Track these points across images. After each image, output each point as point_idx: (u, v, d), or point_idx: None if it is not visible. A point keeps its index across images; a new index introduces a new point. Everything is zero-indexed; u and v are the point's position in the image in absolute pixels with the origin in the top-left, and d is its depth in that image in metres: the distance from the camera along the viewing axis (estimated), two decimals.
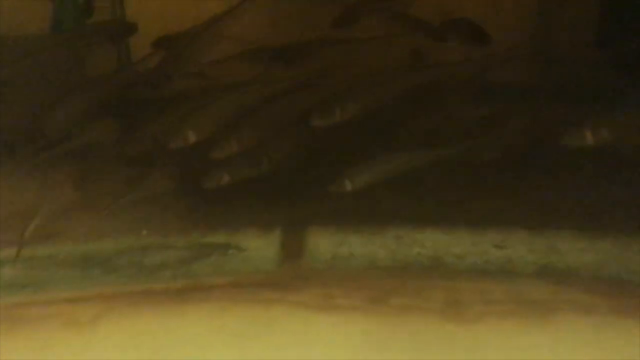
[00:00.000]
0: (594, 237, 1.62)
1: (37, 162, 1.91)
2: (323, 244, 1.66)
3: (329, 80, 2.06)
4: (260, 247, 1.66)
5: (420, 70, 2.12)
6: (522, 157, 1.91)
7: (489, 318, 1.32)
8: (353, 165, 1.78)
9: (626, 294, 1.40)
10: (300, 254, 1.62)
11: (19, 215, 1.73)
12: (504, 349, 1.25)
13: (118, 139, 1.95)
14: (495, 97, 2.04)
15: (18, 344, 1.28)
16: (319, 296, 1.40)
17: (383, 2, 2.14)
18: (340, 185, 1.75)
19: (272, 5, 2.26)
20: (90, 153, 1.96)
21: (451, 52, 2.10)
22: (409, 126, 2.00)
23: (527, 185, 1.87)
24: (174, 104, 2.02)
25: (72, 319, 1.31)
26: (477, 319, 1.32)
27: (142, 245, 1.68)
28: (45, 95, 2.11)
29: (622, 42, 2.15)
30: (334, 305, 1.37)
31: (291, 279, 1.49)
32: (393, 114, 1.98)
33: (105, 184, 1.87)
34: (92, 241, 1.68)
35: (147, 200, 1.80)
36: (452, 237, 1.67)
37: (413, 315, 1.34)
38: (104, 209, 1.73)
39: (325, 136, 1.90)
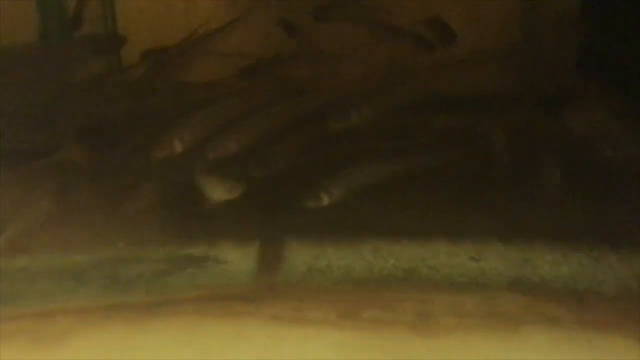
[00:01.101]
0: (568, 249, 1.64)
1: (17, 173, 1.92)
2: (300, 256, 1.66)
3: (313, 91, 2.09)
4: (237, 259, 1.66)
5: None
6: (498, 169, 1.93)
7: (459, 331, 1.33)
8: (329, 177, 1.79)
9: (597, 307, 1.41)
10: (277, 267, 1.62)
11: None
12: None
13: (97, 155, 1.96)
14: (471, 107, 2.06)
15: None
16: (291, 309, 1.40)
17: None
18: (317, 198, 1.76)
19: (261, 20, 2.28)
20: (70, 167, 1.96)
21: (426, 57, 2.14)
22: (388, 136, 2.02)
23: (502, 197, 1.88)
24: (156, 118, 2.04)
25: (41, 335, 1.30)
26: (447, 332, 1.32)
27: (118, 257, 1.68)
28: (32, 105, 2.11)
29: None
30: (306, 318, 1.37)
31: (264, 292, 1.49)
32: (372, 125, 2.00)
33: (82, 196, 1.86)
34: (66, 253, 1.67)
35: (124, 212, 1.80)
36: (427, 249, 1.67)
37: (384, 328, 1.34)
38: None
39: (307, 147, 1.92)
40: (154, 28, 2.34)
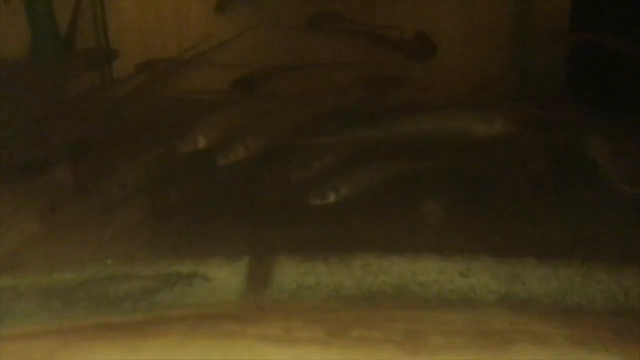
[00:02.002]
0: (558, 265, 1.63)
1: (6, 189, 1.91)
2: (290, 273, 1.66)
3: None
4: (226, 277, 1.65)
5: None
6: (489, 184, 1.94)
7: (448, 350, 1.32)
8: (336, 176, 1.77)
9: (585, 324, 1.41)
10: (266, 284, 1.61)
11: None
12: None
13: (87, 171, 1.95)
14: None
15: None
16: (279, 329, 1.39)
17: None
18: (323, 196, 1.74)
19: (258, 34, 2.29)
20: (59, 183, 1.96)
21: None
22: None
23: (493, 212, 1.88)
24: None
25: (25, 357, 1.29)
26: (436, 351, 1.32)
27: (106, 275, 1.66)
28: (22, 121, 2.11)
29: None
30: (294, 338, 1.36)
31: (253, 311, 1.48)
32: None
33: (70, 213, 1.85)
34: (54, 272, 1.66)
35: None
36: (418, 265, 1.67)
37: (372, 347, 1.34)
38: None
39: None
40: (146, 41, 2.35)
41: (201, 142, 1.78)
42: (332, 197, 1.74)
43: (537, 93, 2.38)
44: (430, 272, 1.64)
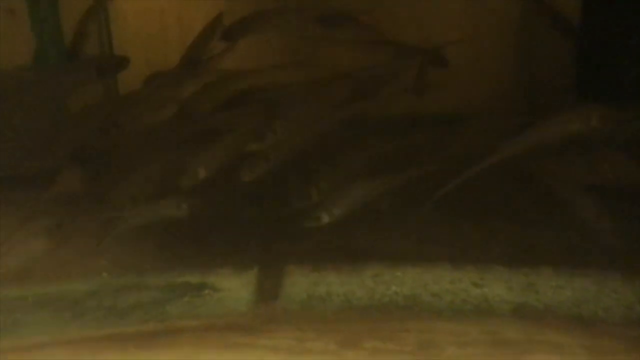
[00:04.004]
0: (572, 274, 1.61)
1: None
2: (299, 283, 1.64)
3: None
4: (235, 287, 1.64)
5: None
6: (501, 194, 1.92)
7: None
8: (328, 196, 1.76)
9: (602, 333, 1.39)
10: (276, 295, 1.60)
11: None
12: None
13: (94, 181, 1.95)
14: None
15: None
16: (291, 340, 1.37)
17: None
18: (317, 218, 1.73)
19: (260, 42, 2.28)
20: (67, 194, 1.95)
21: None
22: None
23: (506, 221, 1.86)
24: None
25: None
26: None
27: (114, 286, 1.65)
28: (30, 130, 2.11)
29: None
30: (306, 349, 1.34)
31: (264, 322, 1.46)
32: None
33: (77, 224, 1.85)
34: (63, 282, 1.65)
35: (120, 240, 1.78)
36: (430, 275, 1.65)
37: (385, 358, 1.32)
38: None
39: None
40: (149, 50, 2.35)
41: (202, 174, 1.78)
42: (325, 219, 1.72)
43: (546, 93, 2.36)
44: (442, 282, 1.62)
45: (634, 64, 2.12)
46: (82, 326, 1.47)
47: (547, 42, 2.38)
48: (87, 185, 1.99)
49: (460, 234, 1.83)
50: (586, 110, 1.76)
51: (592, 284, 1.57)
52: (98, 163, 2.02)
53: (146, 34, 2.39)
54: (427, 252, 1.75)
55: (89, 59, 2.24)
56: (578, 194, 1.80)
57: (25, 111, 2.09)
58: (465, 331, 1.40)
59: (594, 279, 1.59)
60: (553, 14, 2.25)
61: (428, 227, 1.87)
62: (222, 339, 1.38)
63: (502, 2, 2.42)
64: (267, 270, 1.70)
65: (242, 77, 2.11)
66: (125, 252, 1.79)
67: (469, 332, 1.40)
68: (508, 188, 1.98)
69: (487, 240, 1.81)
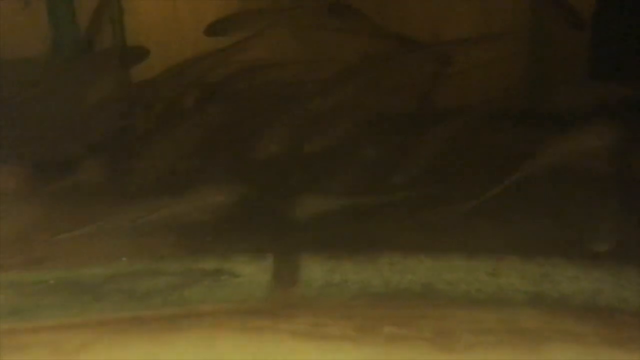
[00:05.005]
0: (588, 265, 1.62)
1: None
2: (316, 270, 1.65)
3: None
4: (253, 273, 1.65)
5: None
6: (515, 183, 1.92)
7: (480, 348, 1.31)
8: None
9: (619, 323, 1.39)
10: (293, 281, 1.61)
11: (18, 240, 1.74)
12: None
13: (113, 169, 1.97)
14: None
15: None
16: (309, 325, 1.39)
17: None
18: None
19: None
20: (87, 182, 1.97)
21: None
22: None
23: (519, 211, 1.87)
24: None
25: (59, 348, 1.29)
26: (468, 349, 1.31)
27: (132, 271, 1.67)
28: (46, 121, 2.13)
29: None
30: (324, 334, 1.36)
31: (282, 307, 1.48)
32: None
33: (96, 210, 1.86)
34: (82, 267, 1.67)
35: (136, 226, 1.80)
36: (444, 264, 1.66)
37: (403, 345, 1.33)
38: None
39: None
40: (163, 42, 2.36)
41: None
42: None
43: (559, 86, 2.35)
44: (457, 271, 1.63)
45: None
46: (102, 309, 1.49)
47: (559, 35, 2.37)
48: (110, 173, 2.00)
49: (474, 225, 1.84)
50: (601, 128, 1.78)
51: (608, 275, 1.58)
52: (120, 151, 2.04)
53: (160, 27, 2.39)
54: (441, 242, 1.75)
55: (111, 50, 2.25)
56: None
57: (50, 101, 2.11)
58: (481, 319, 1.41)
59: (609, 270, 1.59)
60: (563, 6, 2.24)
61: (442, 217, 1.87)
62: (242, 323, 1.40)
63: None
64: (283, 258, 1.71)
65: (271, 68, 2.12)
66: (141, 237, 1.80)
67: (486, 320, 1.41)
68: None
69: (500, 231, 1.81)
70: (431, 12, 2.36)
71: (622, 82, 2.08)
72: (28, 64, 2.23)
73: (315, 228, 1.81)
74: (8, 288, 1.55)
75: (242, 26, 2.12)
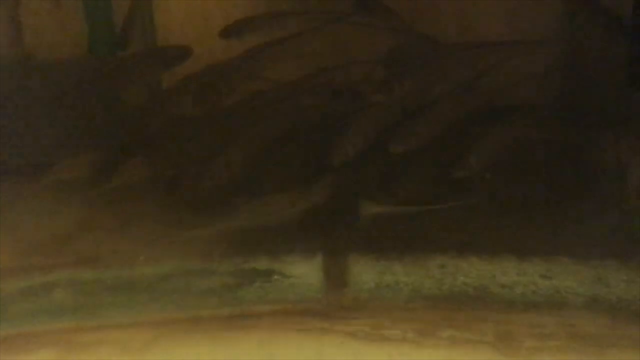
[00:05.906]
0: None
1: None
2: (366, 272, 1.65)
3: None
4: (304, 274, 1.65)
5: None
6: (566, 184, 1.90)
7: (544, 353, 1.30)
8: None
9: None
10: (344, 282, 1.61)
11: (57, 239, 1.77)
12: None
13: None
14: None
15: None
16: (368, 327, 1.39)
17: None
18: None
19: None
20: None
21: None
22: None
23: (570, 213, 1.85)
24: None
25: (126, 345, 1.31)
26: (532, 353, 1.29)
27: (183, 270, 1.68)
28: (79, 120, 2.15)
29: None
30: (384, 336, 1.36)
31: (337, 309, 1.48)
32: None
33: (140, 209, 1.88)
34: (134, 266, 1.68)
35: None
36: (496, 266, 1.64)
37: (465, 348, 1.32)
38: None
39: None
40: (192, 41, 2.36)
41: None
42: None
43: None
44: (509, 273, 1.62)
45: None
46: (160, 309, 1.51)
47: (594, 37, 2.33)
48: (150, 173, 2.02)
49: (525, 226, 1.82)
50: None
51: None
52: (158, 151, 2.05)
53: (189, 26, 2.40)
54: (491, 243, 1.74)
55: (155, 50, 2.27)
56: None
57: (93, 102, 2.13)
58: (541, 323, 1.40)
59: None
60: (596, 9, 2.19)
61: (491, 218, 1.86)
62: (300, 324, 1.40)
63: None
64: (333, 259, 1.71)
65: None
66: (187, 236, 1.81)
67: (546, 324, 1.39)
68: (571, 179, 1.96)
69: (552, 233, 1.79)
70: (462, 12, 2.34)
71: None
72: (63, 64, 2.26)
73: (364, 229, 1.81)
74: (68, 286, 1.57)
75: (257, 29, 2.11)
